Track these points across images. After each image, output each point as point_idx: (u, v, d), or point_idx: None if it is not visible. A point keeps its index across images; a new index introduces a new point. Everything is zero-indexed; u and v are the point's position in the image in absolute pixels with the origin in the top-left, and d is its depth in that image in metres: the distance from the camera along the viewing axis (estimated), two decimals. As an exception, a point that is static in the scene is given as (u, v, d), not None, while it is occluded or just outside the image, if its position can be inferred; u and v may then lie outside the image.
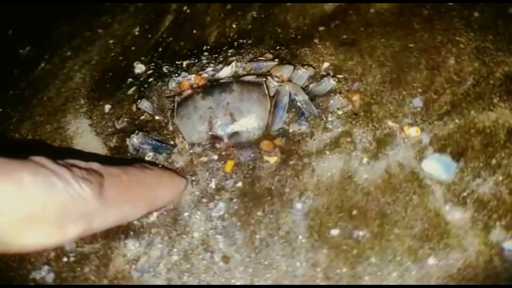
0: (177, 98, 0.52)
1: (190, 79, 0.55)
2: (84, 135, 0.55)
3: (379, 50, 0.55)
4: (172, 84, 0.55)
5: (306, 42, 0.58)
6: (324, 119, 0.50)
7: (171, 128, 0.53)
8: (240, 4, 0.65)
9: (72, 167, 0.35)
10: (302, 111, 0.50)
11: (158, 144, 0.51)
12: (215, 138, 0.51)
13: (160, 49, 0.64)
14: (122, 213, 0.39)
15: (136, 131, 0.51)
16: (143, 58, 0.63)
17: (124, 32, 0.68)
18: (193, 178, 0.49)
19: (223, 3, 0.66)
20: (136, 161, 0.49)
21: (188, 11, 0.67)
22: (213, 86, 0.52)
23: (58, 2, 0.76)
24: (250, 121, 0.50)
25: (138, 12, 0.70)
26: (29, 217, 0.32)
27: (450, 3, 0.58)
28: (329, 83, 0.52)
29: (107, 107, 0.57)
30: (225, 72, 0.55)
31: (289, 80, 0.52)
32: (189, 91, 0.52)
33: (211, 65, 0.56)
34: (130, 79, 0.60)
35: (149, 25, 0.67)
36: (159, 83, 0.57)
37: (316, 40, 0.58)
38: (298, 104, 0.50)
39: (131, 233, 0.47)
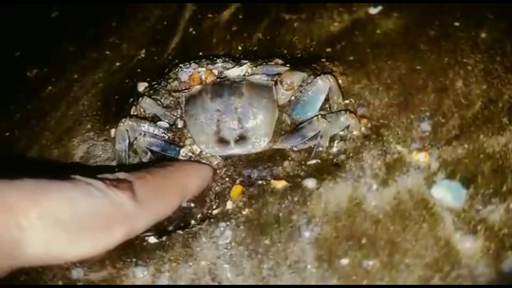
0: (185, 94, 0.52)
1: (200, 72, 0.54)
2: (91, 160, 0.55)
3: (386, 73, 0.54)
4: (183, 75, 0.55)
5: (314, 63, 0.58)
6: (332, 143, 0.50)
7: (180, 125, 0.53)
8: (246, 26, 0.65)
9: (104, 180, 0.39)
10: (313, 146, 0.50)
11: (166, 145, 0.52)
12: (222, 142, 0.51)
13: (166, 71, 0.64)
14: (158, 208, 0.43)
15: (143, 133, 0.52)
16: (148, 80, 0.63)
17: (130, 53, 0.68)
18: (196, 204, 0.49)
19: (228, 25, 0.66)
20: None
21: (194, 32, 0.67)
22: (222, 86, 0.51)
23: (66, 21, 0.77)
24: (257, 128, 0.50)
25: (145, 34, 0.70)
26: (79, 225, 0.35)
27: (457, 23, 0.58)
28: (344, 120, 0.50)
29: (113, 132, 0.57)
30: (236, 71, 0.55)
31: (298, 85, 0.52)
32: (198, 88, 0.52)
33: (222, 61, 0.57)
34: (133, 100, 0.60)
35: (155, 47, 0.67)
36: (166, 80, 0.57)
37: (323, 60, 0.58)
38: (317, 143, 0.50)
39: (139, 260, 0.47)
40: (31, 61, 0.71)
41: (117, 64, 0.67)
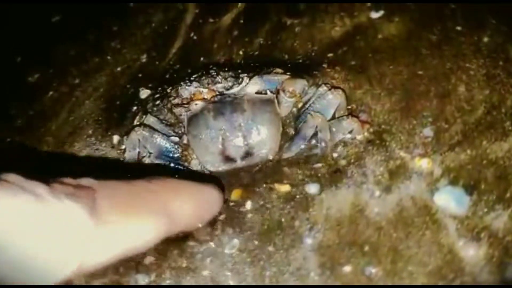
0: (187, 113, 0.52)
1: (202, 92, 0.54)
2: (93, 166, 0.55)
3: (387, 78, 0.54)
4: (184, 92, 0.55)
5: (316, 68, 0.58)
6: (335, 149, 0.50)
7: (185, 141, 0.53)
8: (247, 30, 0.65)
9: (52, 183, 0.29)
10: (316, 144, 0.50)
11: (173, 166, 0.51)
12: (228, 160, 0.50)
13: (167, 76, 0.64)
14: (129, 232, 0.31)
15: (142, 126, 0.51)
16: (150, 85, 0.63)
17: (132, 58, 0.68)
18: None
19: (229, 29, 0.66)
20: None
21: (195, 37, 0.67)
22: (223, 104, 0.51)
23: (66, 25, 0.77)
24: (262, 142, 0.50)
25: (146, 38, 0.70)
26: None
27: (459, 28, 0.58)
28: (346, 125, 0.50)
29: (116, 138, 0.57)
30: (236, 88, 0.54)
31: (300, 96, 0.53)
32: (199, 106, 0.52)
33: (221, 77, 0.56)
34: (135, 107, 0.60)
35: (156, 52, 0.67)
36: (167, 98, 0.56)
37: (324, 65, 0.58)
38: (318, 139, 0.50)
39: (141, 267, 0.46)
40: (32, 66, 0.71)
41: (119, 69, 0.67)
